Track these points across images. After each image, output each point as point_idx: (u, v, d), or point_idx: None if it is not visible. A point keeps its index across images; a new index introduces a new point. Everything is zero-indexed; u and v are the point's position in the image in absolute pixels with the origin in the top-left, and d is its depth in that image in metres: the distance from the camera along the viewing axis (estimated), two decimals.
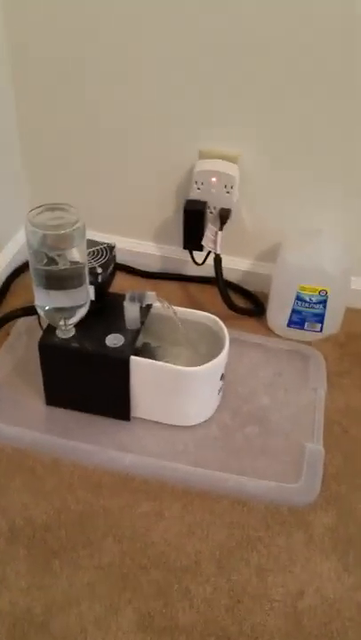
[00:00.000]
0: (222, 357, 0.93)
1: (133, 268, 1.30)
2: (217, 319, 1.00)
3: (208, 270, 1.21)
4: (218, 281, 1.16)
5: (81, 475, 0.91)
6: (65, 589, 0.79)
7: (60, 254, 0.83)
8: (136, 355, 0.93)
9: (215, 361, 0.92)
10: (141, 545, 0.84)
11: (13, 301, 1.22)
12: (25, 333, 1.13)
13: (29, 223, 0.81)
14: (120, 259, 1.28)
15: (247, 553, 0.84)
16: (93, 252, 0.97)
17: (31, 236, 0.81)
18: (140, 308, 0.95)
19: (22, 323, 1.13)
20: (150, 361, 0.92)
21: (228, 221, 1.15)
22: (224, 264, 1.17)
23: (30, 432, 0.96)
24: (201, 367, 0.91)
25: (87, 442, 0.95)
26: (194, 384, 0.94)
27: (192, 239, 1.18)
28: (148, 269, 1.30)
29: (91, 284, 0.93)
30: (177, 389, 0.94)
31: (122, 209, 1.25)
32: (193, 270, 1.27)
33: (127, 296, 0.93)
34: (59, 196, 1.27)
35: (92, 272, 0.93)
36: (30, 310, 0.95)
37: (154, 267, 1.31)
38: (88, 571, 0.81)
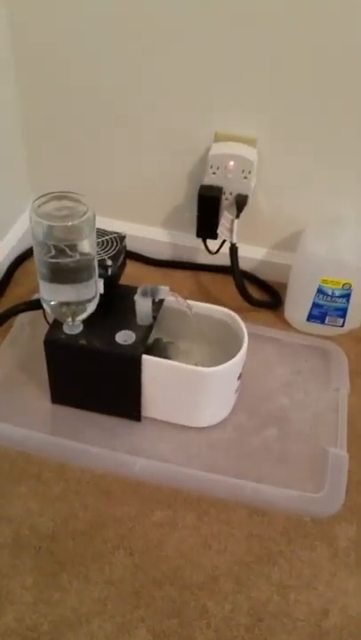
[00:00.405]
0: (241, 356, 0.87)
1: (143, 256, 1.23)
2: (234, 315, 0.93)
3: (222, 259, 1.14)
4: (234, 271, 1.10)
5: (89, 480, 0.86)
6: (74, 605, 0.74)
7: (68, 246, 0.76)
8: (148, 352, 0.87)
9: (233, 360, 0.86)
10: (154, 558, 0.79)
11: (17, 291, 1.16)
12: (28, 325, 1.07)
13: (34, 214, 0.74)
14: (129, 246, 1.21)
15: (268, 568, 0.79)
16: (102, 242, 0.90)
17: (36, 228, 0.75)
18: (153, 302, 0.89)
19: (25, 313, 1.07)
20: (164, 360, 0.86)
21: (245, 208, 1.08)
22: (239, 253, 1.10)
23: (35, 434, 0.91)
24: (218, 367, 0.85)
25: (95, 445, 0.89)
26: (210, 385, 0.88)
27: (206, 227, 1.11)
28: (158, 257, 1.24)
29: (100, 276, 0.86)
30: (192, 390, 0.88)
31: (132, 193, 1.18)
32: (206, 259, 1.20)
33: (139, 290, 0.87)
34: (64, 180, 1.20)
35: (102, 264, 0.87)
36: (35, 304, 0.88)
37: (165, 254, 1.24)
38: (98, 585, 0.76)
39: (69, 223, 0.74)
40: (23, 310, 0.93)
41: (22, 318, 1.07)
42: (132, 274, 1.21)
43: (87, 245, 0.78)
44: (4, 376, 0.99)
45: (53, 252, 0.76)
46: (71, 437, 0.90)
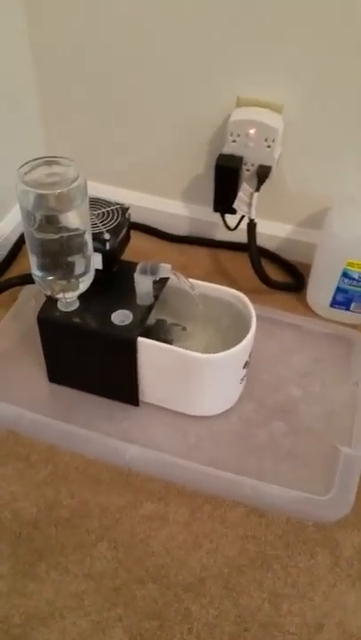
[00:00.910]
0: (246, 343, 0.80)
1: (159, 230, 1.17)
2: (242, 296, 0.86)
3: (241, 236, 1.06)
4: (250, 250, 1.02)
5: (78, 466, 0.81)
6: (49, 598, 0.70)
7: (57, 217, 0.71)
8: (147, 334, 0.81)
9: (237, 348, 0.79)
10: (139, 554, 0.74)
11: (25, 263, 1.11)
12: (34, 298, 1.02)
13: (20, 181, 0.68)
14: (142, 218, 1.15)
15: (261, 573, 0.72)
16: (102, 213, 0.84)
17: (22, 197, 0.69)
18: (154, 281, 0.82)
19: (31, 287, 1.02)
20: (160, 344, 0.80)
21: (267, 181, 0.99)
22: (260, 230, 1.02)
23: (28, 413, 0.86)
24: (219, 354, 0.78)
25: (89, 428, 0.85)
26: (211, 372, 0.81)
27: (224, 200, 1.03)
28: (173, 232, 1.17)
29: (97, 251, 0.81)
30: (191, 377, 0.82)
31: (147, 163, 1.11)
32: (225, 235, 1.12)
33: (138, 267, 0.81)
34: (75, 148, 1.14)
35: (99, 238, 0.81)
36: (29, 278, 0.83)
37: (180, 229, 1.17)
38: (77, 578, 0.72)
39: (58, 191, 0.68)
40: (16, 284, 0.89)
41: (28, 291, 1.03)
42: (145, 249, 1.16)
43: (78, 216, 0.72)
44: (4, 351, 0.96)
45: (40, 223, 0.70)
46: (64, 419, 0.86)
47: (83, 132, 1.11)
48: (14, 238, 1.12)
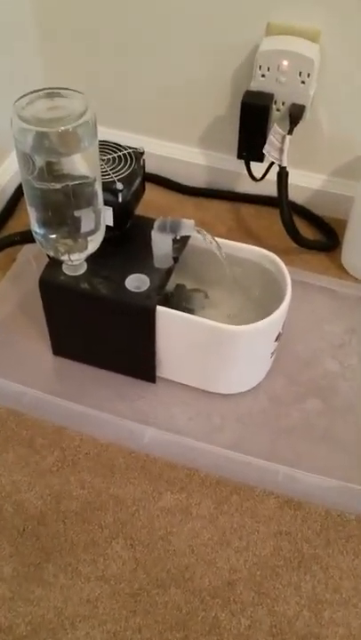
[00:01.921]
0: (281, 313, 0.69)
1: (173, 181, 1.04)
2: (276, 258, 0.75)
3: (267, 188, 0.94)
4: (281, 203, 0.89)
5: (89, 451, 0.72)
6: (58, 605, 0.62)
7: (60, 162, 0.59)
8: (166, 302, 0.70)
9: (271, 318, 0.68)
10: (160, 553, 0.65)
11: (24, 217, 0.99)
12: (34, 260, 0.91)
13: (17, 117, 0.56)
14: (155, 168, 1.02)
15: (298, 576, 0.64)
16: (113, 159, 0.71)
17: (19, 136, 0.57)
18: (174, 240, 0.71)
19: (31, 246, 0.91)
20: (183, 314, 0.69)
21: (301, 122, 0.86)
22: (289, 180, 0.89)
23: (31, 391, 0.76)
24: (250, 326, 0.67)
25: (100, 408, 0.75)
26: (239, 346, 0.71)
27: (250, 145, 0.90)
28: (190, 183, 1.04)
29: (108, 204, 0.69)
30: (216, 351, 0.72)
31: (161, 102, 0.97)
32: (248, 187, 1.00)
33: (156, 224, 0.69)
34: (83, 86, 1.01)
35: (110, 188, 0.69)
36: (29, 236, 0.72)
37: (198, 180, 1.04)
38: (89, 582, 0.63)
39: (61, 128, 0.56)
40: (15, 243, 0.77)
41: (27, 251, 0.92)
42: (158, 203, 1.03)
43: (86, 161, 0.60)
44: (2, 319, 0.85)
45: (41, 169, 0.59)
46: (72, 397, 0.76)
47: (85, 66, 0.97)
48: (11, 189, 1.00)
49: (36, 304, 0.76)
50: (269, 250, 0.95)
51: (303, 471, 0.69)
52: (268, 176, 0.94)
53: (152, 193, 1.04)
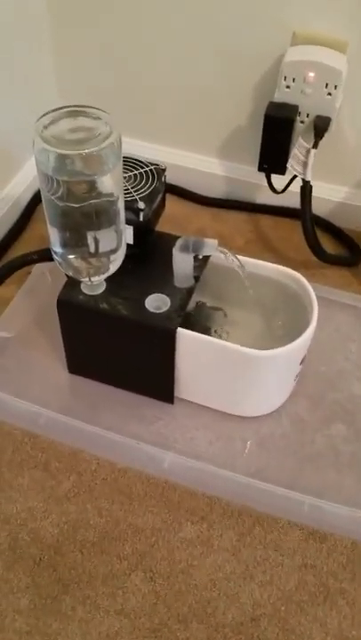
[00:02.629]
0: (307, 337, 0.67)
1: (190, 192, 1.02)
2: (301, 278, 0.72)
3: (288, 199, 0.91)
4: (304, 217, 0.87)
5: (107, 476, 0.70)
6: None
7: (84, 183, 0.56)
8: (186, 322, 0.68)
9: (297, 342, 0.66)
10: (180, 586, 0.63)
11: (39, 228, 0.97)
12: (50, 273, 0.89)
13: (38, 137, 0.54)
14: (171, 178, 0.99)
15: (323, 611, 0.61)
16: (135, 176, 0.69)
17: (41, 157, 0.54)
18: (195, 258, 0.68)
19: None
20: (206, 337, 0.67)
21: (326, 135, 0.83)
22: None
23: (46, 412, 0.74)
24: (276, 351, 0.65)
25: (117, 429, 0.72)
26: (264, 371, 0.69)
27: (272, 157, 0.88)
28: (207, 194, 1.02)
29: (129, 223, 0.66)
30: (240, 376, 0.69)
31: (179, 113, 0.95)
32: (268, 198, 0.97)
33: (178, 243, 0.67)
34: (98, 95, 0.98)
35: (132, 207, 0.66)
36: (48, 254, 0.69)
37: (216, 191, 1.01)
38: (108, 616, 0.61)
39: (86, 151, 0.53)
40: (34, 261, 0.74)
41: (42, 264, 0.89)
42: (174, 214, 1.00)
43: (110, 181, 0.57)
44: (16, 334, 0.83)
45: (63, 191, 0.56)
46: (88, 418, 0.74)
47: (104, 76, 0.95)
48: (26, 199, 0.98)
49: (52, 319, 0.74)
50: (289, 263, 0.93)
51: (329, 502, 0.67)
52: (289, 188, 0.91)
53: (168, 203, 1.02)
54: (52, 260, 0.68)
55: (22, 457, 0.71)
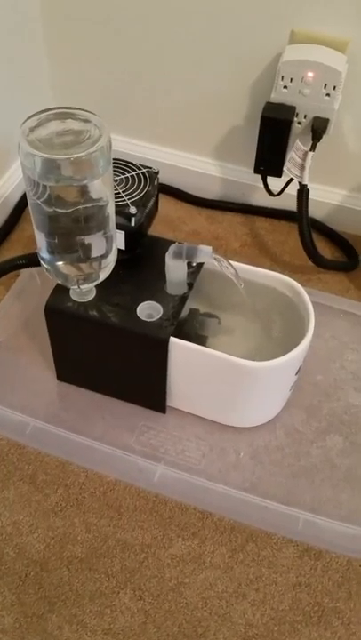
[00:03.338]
0: (303, 348, 0.65)
1: (183, 192, 0.99)
2: (297, 286, 0.70)
3: (284, 201, 0.89)
4: (301, 222, 0.85)
5: (95, 490, 0.68)
6: None
7: (73, 188, 0.54)
8: (179, 330, 0.65)
9: (293, 353, 0.63)
10: (171, 605, 0.61)
11: (29, 229, 0.95)
12: (39, 275, 0.87)
13: (24, 141, 0.51)
14: (165, 178, 0.97)
15: (318, 631, 0.60)
16: (127, 179, 0.66)
17: (26, 161, 0.52)
18: (188, 265, 0.66)
19: None
20: (199, 347, 0.64)
21: (324, 137, 0.81)
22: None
23: (34, 421, 0.72)
24: (272, 363, 0.63)
25: (106, 440, 0.70)
26: (259, 382, 0.66)
27: (269, 159, 0.85)
28: (202, 195, 0.99)
29: (120, 228, 0.64)
30: (235, 385, 0.67)
31: (174, 111, 0.92)
32: (263, 200, 0.95)
33: (171, 250, 0.64)
34: (92, 95, 0.95)
35: (123, 212, 0.64)
36: (36, 259, 0.67)
37: (211, 192, 0.99)
38: (95, 636, 0.59)
39: (74, 155, 0.51)
40: (22, 266, 0.72)
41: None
42: (169, 215, 0.98)
43: (100, 186, 0.55)
44: (4, 339, 0.80)
45: (51, 196, 0.54)
46: (77, 428, 0.72)
47: (98, 76, 0.92)
48: (15, 200, 0.95)
49: (41, 323, 0.71)
50: (285, 267, 0.92)
51: (324, 517, 0.65)
52: (286, 190, 0.89)
53: (162, 204, 0.99)
54: (39, 265, 0.65)
55: (8, 469, 0.69)
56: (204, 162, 0.97)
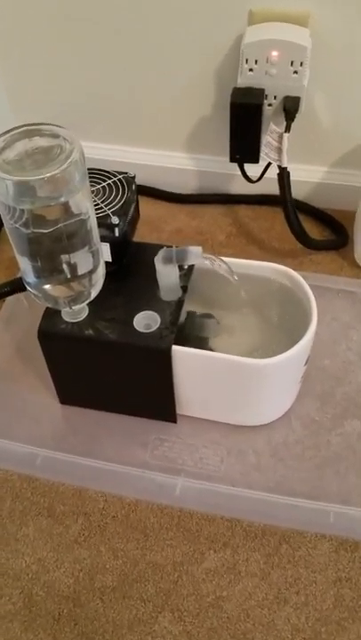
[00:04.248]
0: (309, 337, 0.62)
1: (159, 190, 0.96)
2: (293, 273, 0.67)
3: (264, 186, 0.87)
4: (286, 207, 0.82)
5: (116, 513, 0.65)
6: None
7: (50, 207, 0.51)
8: (179, 336, 0.63)
9: (300, 345, 0.61)
10: (213, 622, 0.58)
11: (7, 251, 0.91)
12: (25, 298, 0.83)
13: None
14: (140, 179, 0.94)
15: None
16: (103, 188, 0.64)
17: None
18: (180, 267, 0.64)
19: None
20: (203, 352, 0.62)
21: (297, 115, 0.79)
22: None
23: (43, 451, 0.69)
24: (280, 358, 0.60)
25: (120, 460, 0.68)
26: (269, 379, 0.64)
27: (243, 146, 0.82)
28: (179, 190, 0.96)
29: (104, 240, 0.61)
30: (244, 386, 0.65)
31: (137, 109, 0.89)
32: (242, 187, 0.92)
33: (160, 256, 0.62)
34: (48, 104, 0.92)
35: (105, 223, 0.61)
36: (21, 284, 0.64)
37: (188, 187, 0.96)
38: None
39: (47, 175, 0.48)
40: (6, 294, 0.69)
41: None
42: (148, 216, 0.94)
43: (78, 200, 0.52)
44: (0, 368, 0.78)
45: (28, 218, 0.51)
46: (88, 452, 0.69)
47: (52, 79, 0.88)
48: None
49: (34, 347, 0.68)
50: (274, 253, 0.89)
51: (355, 507, 0.63)
52: (264, 175, 0.86)
53: (141, 205, 0.96)
54: (24, 290, 0.63)
55: (23, 504, 0.66)
56: (177, 157, 0.94)
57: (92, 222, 0.56)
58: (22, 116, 0.92)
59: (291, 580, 0.60)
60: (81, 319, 0.64)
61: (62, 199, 0.50)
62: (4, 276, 0.89)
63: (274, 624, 0.58)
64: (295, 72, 0.76)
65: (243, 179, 0.88)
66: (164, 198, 0.97)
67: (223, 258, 0.65)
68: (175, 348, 0.61)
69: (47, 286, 0.58)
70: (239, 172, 0.87)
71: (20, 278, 0.63)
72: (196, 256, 0.62)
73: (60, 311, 0.63)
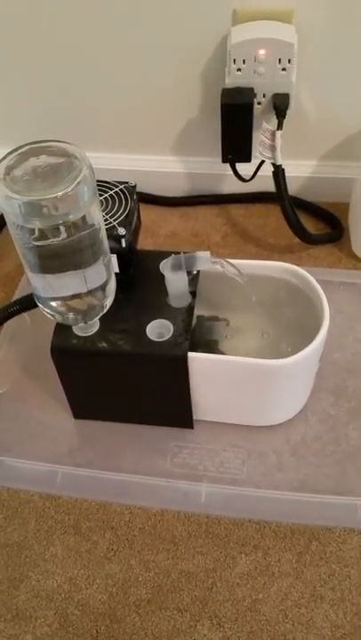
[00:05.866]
0: (322, 335, 0.63)
1: (150, 195, 0.96)
2: (300, 271, 0.68)
3: (256, 184, 0.87)
4: (284, 205, 0.82)
5: (143, 525, 0.65)
6: None
7: (62, 224, 0.50)
8: (191, 343, 0.63)
9: (315, 343, 0.61)
10: (252, 626, 0.58)
11: (4, 267, 0.90)
12: (27, 314, 0.82)
13: (2, 184, 0.47)
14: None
15: None
16: (106, 200, 0.63)
17: (7, 206, 0.48)
18: (188, 273, 0.63)
19: None
20: (219, 357, 0.62)
21: (287, 112, 0.79)
22: None
23: (62, 468, 0.68)
24: (296, 357, 0.60)
25: (141, 471, 0.67)
26: (285, 379, 0.64)
27: (236, 146, 0.82)
28: (171, 194, 0.96)
29: (111, 251, 0.60)
30: (260, 387, 0.65)
31: (125, 115, 0.88)
32: (234, 186, 0.92)
33: (169, 264, 0.61)
34: (28, 118, 0.91)
35: (112, 235, 0.60)
36: (30, 302, 0.63)
37: (179, 189, 0.96)
38: None
39: (60, 193, 0.47)
40: (17, 312, 0.67)
41: None
42: (142, 222, 0.94)
43: (89, 216, 0.51)
44: (7, 390, 0.76)
45: (39, 237, 0.50)
46: (108, 466, 0.68)
47: (40, 88, 0.87)
48: None
49: (41, 363, 0.68)
50: (272, 250, 0.90)
51: None
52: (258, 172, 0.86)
53: None
54: (35, 306, 0.62)
55: (48, 524, 0.65)
56: (167, 161, 0.93)
57: (103, 233, 0.55)
58: (7, 131, 0.91)
59: (325, 577, 0.61)
60: (93, 333, 0.63)
61: (72, 216, 0.50)
62: (2, 292, 0.87)
63: (313, 622, 0.58)
64: (283, 69, 0.76)
65: (233, 178, 0.88)
66: (156, 203, 0.96)
67: (230, 260, 0.64)
68: (191, 354, 0.61)
69: (61, 302, 0.57)
70: (229, 172, 0.87)
71: (28, 296, 0.62)
72: (206, 261, 0.62)
73: (69, 327, 0.63)
